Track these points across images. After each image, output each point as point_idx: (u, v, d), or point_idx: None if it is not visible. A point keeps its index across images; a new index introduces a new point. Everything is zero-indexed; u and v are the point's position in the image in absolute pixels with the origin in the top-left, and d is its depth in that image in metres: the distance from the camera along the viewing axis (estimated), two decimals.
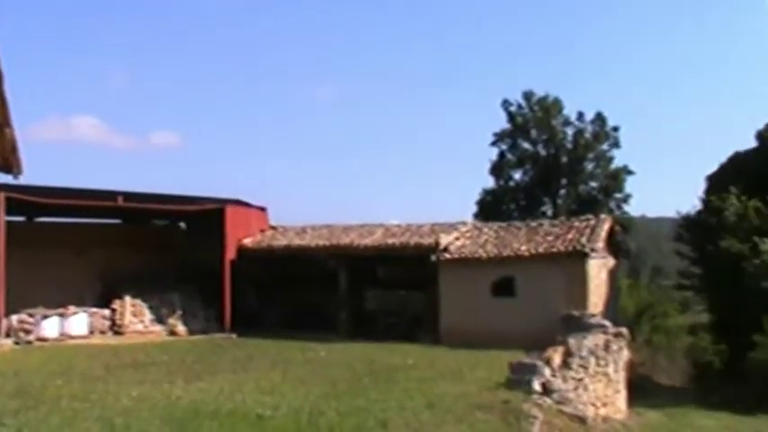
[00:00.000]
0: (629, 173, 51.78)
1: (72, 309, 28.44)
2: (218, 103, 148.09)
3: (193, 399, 15.15)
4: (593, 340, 18.15)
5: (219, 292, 29.90)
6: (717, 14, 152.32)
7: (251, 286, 31.57)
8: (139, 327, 29.82)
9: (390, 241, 29.08)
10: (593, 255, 25.62)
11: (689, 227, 31.29)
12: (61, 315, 27.96)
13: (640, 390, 21.73)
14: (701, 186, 31.04)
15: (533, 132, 53.02)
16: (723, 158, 30.96)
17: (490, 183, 53.62)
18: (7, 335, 26.26)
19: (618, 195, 51.94)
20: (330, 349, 23.86)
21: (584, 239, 25.89)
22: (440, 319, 26.73)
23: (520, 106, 53.29)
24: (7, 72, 10.54)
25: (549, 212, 50.56)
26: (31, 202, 26.30)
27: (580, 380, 16.58)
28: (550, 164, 52.20)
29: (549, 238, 26.97)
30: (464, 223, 30.82)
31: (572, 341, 17.30)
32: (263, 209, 33.82)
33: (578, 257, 25.36)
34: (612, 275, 29.49)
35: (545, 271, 25.71)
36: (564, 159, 52.18)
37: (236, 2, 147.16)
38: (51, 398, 15.03)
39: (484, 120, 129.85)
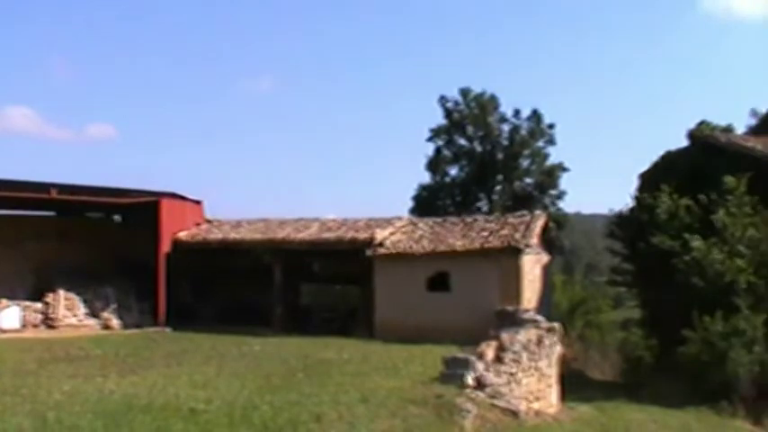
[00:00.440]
0: (564, 170, 52.15)
1: (4, 302, 28.09)
2: (155, 96, 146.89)
3: (126, 393, 15.02)
4: (526, 335, 18.27)
5: (154, 286, 29.59)
6: (651, 15, 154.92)
7: (186, 280, 31.34)
8: (73, 320, 29.37)
9: (326, 236, 29.01)
10: (527, 250, 25.84)
11: (621, 224, 31.50)
12: None
13: (573, 384, 21.91)
14: (634, 184, 31.34)
15: (470, 129, 53.10)
16: (656, 157, 31.31)
17: (426, 178, 53.67)
18: None
19: (553, 192, 52.22)
20: (265, 343, 23.77)
21: (518, 235, 26.10)
22: (375, 313, 26.72)
23: (456, 103, 53.36)
24: None
25: (485, 208, 50.71)
26: None
27: (513, 374, 16.68)
28: (486, 160, 52.36)
29: (484, 233, 27.12)
30: (400, 218, 30.91)
31: (505, 336, 17.40)
32: (198, 202, 33.54)
33: (512, 253, 25.55)
34: (546, 271, 29.79)
35: (479, 266, 25.87)
36: (500, 156, 52.33)
37: None
38: None
39: (421, 116, 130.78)
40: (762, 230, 24.36)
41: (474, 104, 52.93)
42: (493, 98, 52.99)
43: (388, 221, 29.59)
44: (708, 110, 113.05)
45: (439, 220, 30.51)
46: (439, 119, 53.81)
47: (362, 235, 28.02)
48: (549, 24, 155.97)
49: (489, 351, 16.57)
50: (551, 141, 52.57)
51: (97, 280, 30.48)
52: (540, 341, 18.57)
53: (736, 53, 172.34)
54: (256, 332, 26.15)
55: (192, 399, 14.28)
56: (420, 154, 55.49)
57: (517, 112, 52.60)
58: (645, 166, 31.51)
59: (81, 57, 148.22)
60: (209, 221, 33.40)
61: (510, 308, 22.67)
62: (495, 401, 14.91)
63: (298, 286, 31.30)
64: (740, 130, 37.47)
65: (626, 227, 30.58)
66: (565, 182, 52.36)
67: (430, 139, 53.95)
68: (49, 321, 29.16)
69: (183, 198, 32.35)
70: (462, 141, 53.54)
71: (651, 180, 29.37)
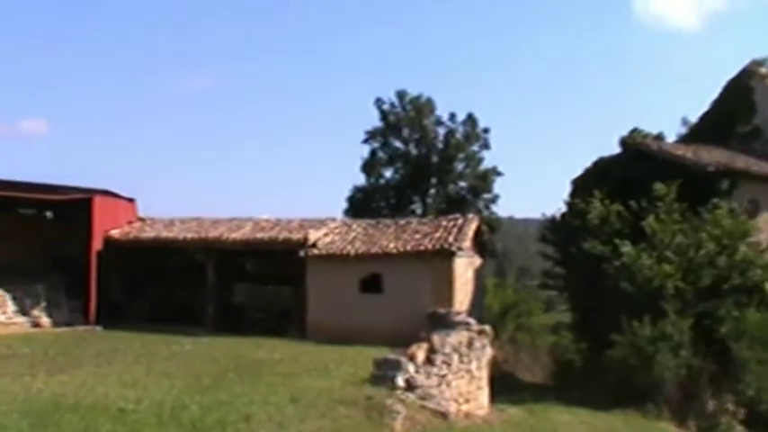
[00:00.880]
0: (498, 174, 52.57)
1: None
2: (89, 92, 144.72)
3: (55, 392, 14.84)
4: (457, 337, 18.35)
5: (86, 284, 29.09)
6: (587, 23, 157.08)
7: (117, 278, 30.86)
8: (1, 318, 28.58)
9: (259, 235, 28.82)
10: (459, 253, 25.93)
11: (554, 229, 31.89)
12: None
13: (503, 386, 22.12)
14: (567, 189, 31.68)
15: (405, 131, 53.26)
16: (588, 163, 31.69)
17: (361, 180, 53.69)
18: None
19: (486, 196, 52.61)
20: (196, 343, 23.55)
21: (451, 238, 26.18)
22: (307, 314, 26.62)
23: (393, 105, 53.49)
24: None
25: (419, 211, 50.94)
26: None
27: (443, 376, 16.75)
28: (421, 163, 52.54)
29: (417, 236, 27.16)
30: (333, 219, 30.85)
31: (436, 338, 17.43)
32: (131, 200, 33.00)
33: (445, 256, 25.62)
34: (478, 274, 29.94)
35: (412, 268, 25.91)
36: (434, 159, 52.57)
37: None
38: None
39: (356, 117, 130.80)
40: (690, 237, 24.83)
41: (410, 107, 53.13)
42: (429, 101, 53.26)
43: (321, 222, 29.52)
44: (640, 117, 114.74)
45: (372, 221, 30.48)
46: (375, 121, 53.93)
47: (296, 235, 27.89)
48: (487, 29, 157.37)
49: (420, 353, 16.58)
50: (486, 145, 53.01)
51: (27, 277, 29.72)
52: (470, 343, 18.67)
53: (669, 62, 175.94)
54: (188, 331, 25.88)
55: (121, 398, 14.15)
56: (355, 155, 55.49)
57: (453, 116, 52.98)
58: (578, 172, 31.92)
59: (11, 50, 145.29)
60: (141, 219, 32.92)
61: (442, 310, 22.78)
62: (425, 403, 14.94)
63: (231, 286, 31.04)
64: (671, 138, 38.16)
65: (558, 231, 30.95)
66: (498, 186, 53.00)
67: (365, 141, 54.05)
68: None
69: (116, 196, 31.83)
70: (398, 144, 53.68)
71: (584, 186, 29.76)
